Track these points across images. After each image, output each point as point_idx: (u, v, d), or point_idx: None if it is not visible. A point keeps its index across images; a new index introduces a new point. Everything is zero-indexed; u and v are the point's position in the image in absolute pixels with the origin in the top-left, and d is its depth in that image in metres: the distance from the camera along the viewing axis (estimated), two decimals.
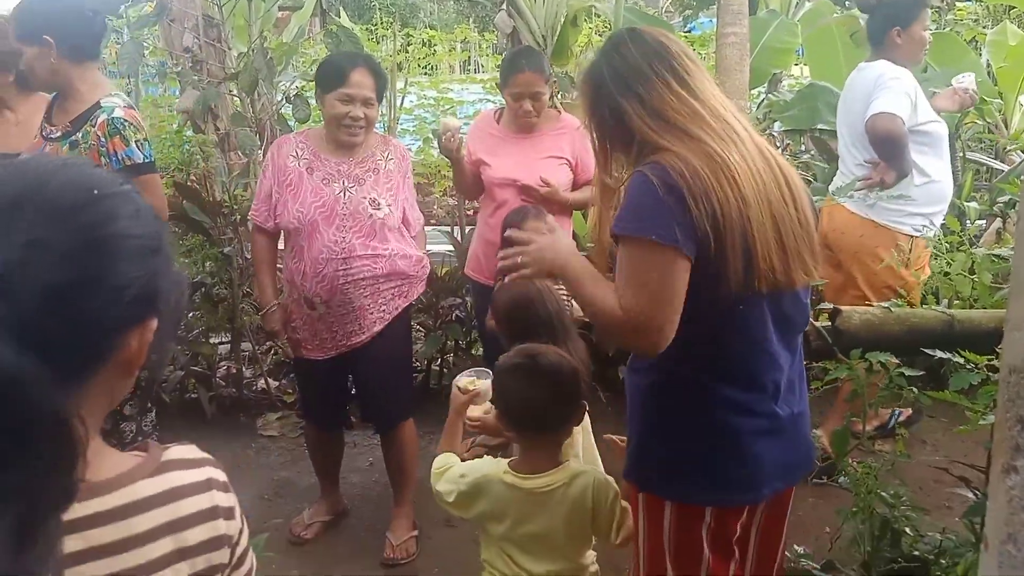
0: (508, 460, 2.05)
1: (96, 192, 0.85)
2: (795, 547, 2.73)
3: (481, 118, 3.71)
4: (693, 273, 1.58)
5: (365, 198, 2.96)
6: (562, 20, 5.25)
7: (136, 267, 0.85)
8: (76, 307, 0.79)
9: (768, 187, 1.64)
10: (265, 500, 3.54)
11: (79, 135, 2.67)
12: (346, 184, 2.98)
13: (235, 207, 4.06)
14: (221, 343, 4.44)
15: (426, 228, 3.92)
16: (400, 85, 6.40)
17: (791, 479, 1.84)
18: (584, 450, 2.39)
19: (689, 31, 8.59)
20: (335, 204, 2.95)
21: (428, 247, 3.44)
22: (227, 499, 0.99)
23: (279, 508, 3.47)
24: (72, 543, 0.83)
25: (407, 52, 8.39)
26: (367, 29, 10.09)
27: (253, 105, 4.46)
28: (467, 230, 4.64)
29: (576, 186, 3.44)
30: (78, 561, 0.84)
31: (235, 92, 4.49)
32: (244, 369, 4.36)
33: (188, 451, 0.99)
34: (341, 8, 9.37)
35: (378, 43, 9.02)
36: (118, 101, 2.71)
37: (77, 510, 0.83)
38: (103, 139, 2.62)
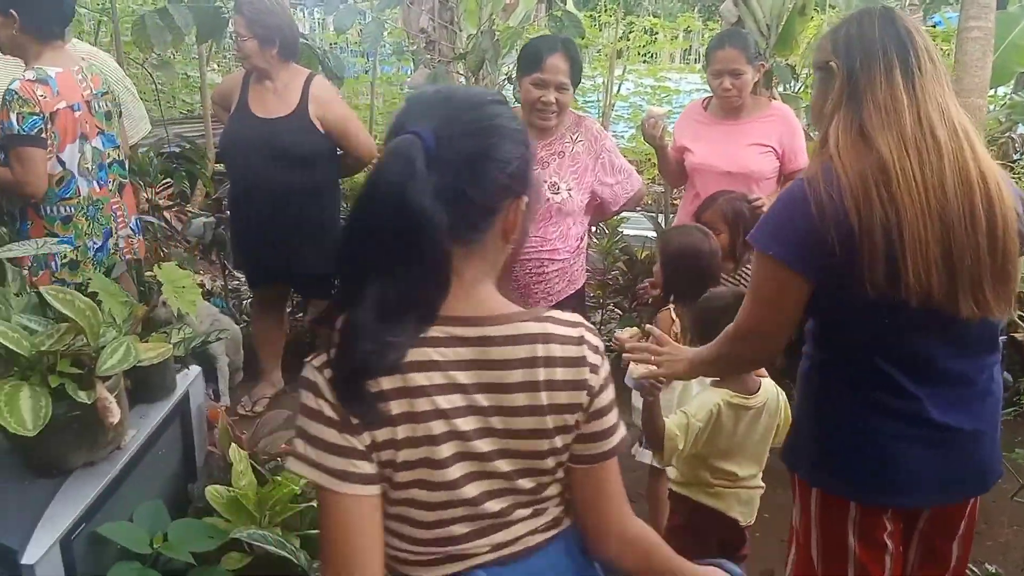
0: (721, 388, 2.32)
1: (487, 98, 1.22)
2: (987, 566, 2.64)
3: (690, 107, 3.75)
4: (828, 279, 1.63)
5: (545, 182, 3.04)
6: (789, 9, 5.14)
7: (516, 148, 1.18)
8: (479, 171, 1.14)
9: (948, 205, 1.57)
10: None
11: None
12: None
13: None
14: None
15: (632, 213, 4.00)
16: (618, 72, 6.49)
17: (953, 496, 1.79)
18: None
19: (934, 26, 8.10)
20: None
21: (630, 230, 3.51)
22: (595, 358, 1.24)
23: None
24: (467, 353, 1.17)
25: (628, 40, 8.45)
26: (590, 16, 10.25)
27: (478, 84, 4.71)
28: (670, 217, 4.69)
29: (783, 176, 3.41)
30: (470, 368, 1.17)
31: (462, 71, 4.76)
32: None
33: (570, 315, 1.26)
34: None
35: (600, 30, 9.14)
36: (28, 76, 2.92)
37: (475, 332, 1.18)
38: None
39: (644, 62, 9.37)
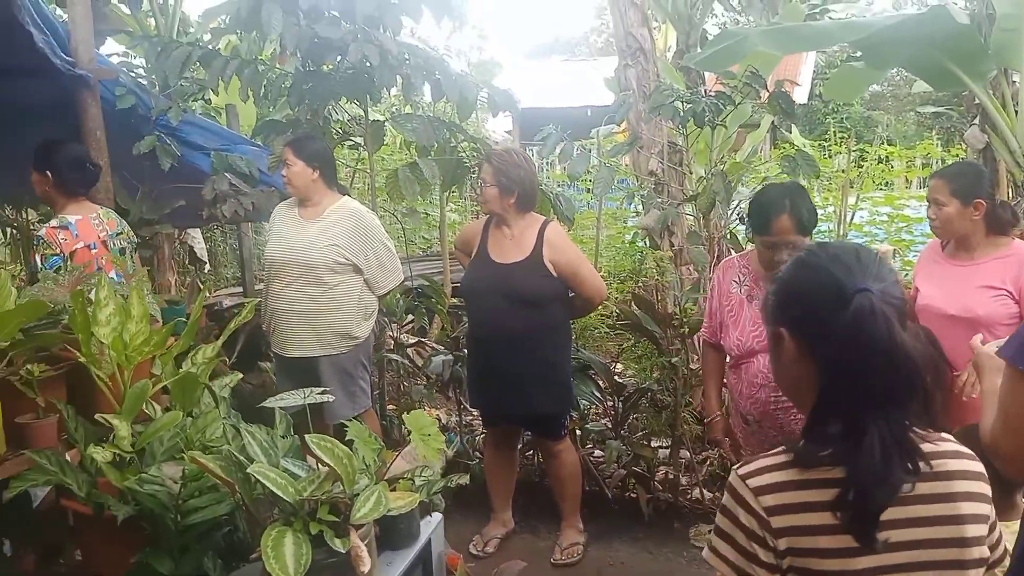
0: None
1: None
2: None
3: (929, 244, 3.58)
4: None
5: None
6: None
7: None
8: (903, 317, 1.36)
9: None
10: None
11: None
12: None
13: (685, 320, 4.28)
14: (661, 447, 4.65)
15: None
16: (851, 200, 6.29)
17: None
18: None
19: None
20: None
21: None
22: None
23: None
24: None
25: (860, 167, 8.20)
26: (819, 145, 10.06)
27: (707, 223, 4.71)
28: None
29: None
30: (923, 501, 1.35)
31: (692, 212, 4.78)
32: (681, 476, 4.51)
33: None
34: (792, 125, 9.46)
35: (831, 158, 8.95)
36: (53, 224, 3.57)
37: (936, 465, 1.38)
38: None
39: (880, 188, 9.03)
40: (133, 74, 4.69)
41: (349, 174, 6.70)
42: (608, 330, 4.89)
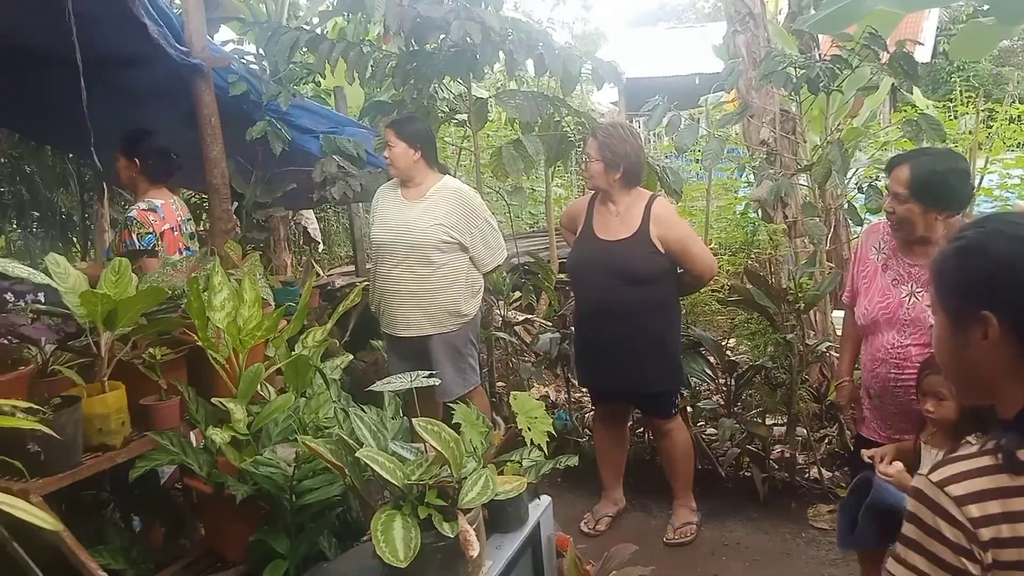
0: None
1: None
2: None
3: None
4: None
5: (930, 305, 2.83)
6: None
7: None
8: None
9: None
10: None
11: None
12: (914, 288, 2.90)
13: (800, 295, 4.12)
14: (776, 425, 4.52)
15: None
16: (980, 164, 5.92)
17: None
18: None
19: None
20: (899, 308, 2.91)
21: None
22: None
23: None
24: None
25: (989, 128, 7.72)
26: (943, 105, 9.53)
27: (823, 194, 4.51)
28: None
29: None
30: None
31: (806, 183, 4.59)
32: (798, 455, 4.37)
33: None
34: (914, 85, 8.94)
35: (956, 119, 8.44)
36: (142, 206, 3.80)
37: None
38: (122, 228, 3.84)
39: (1011, 150, 8.48)
40: (244, 60, 4.79)
41: (455, 153, 6.75)
42: (719, 306, 4.76)
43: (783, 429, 4.46)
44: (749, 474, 4.28)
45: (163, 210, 3.87)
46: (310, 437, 2.17)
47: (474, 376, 4.11)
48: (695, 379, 4.36)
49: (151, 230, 3.77)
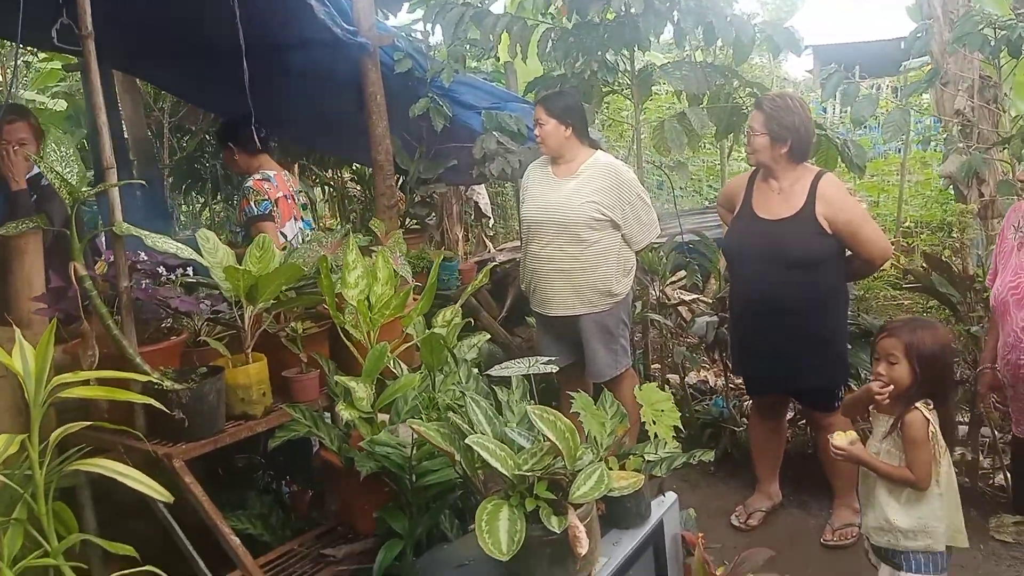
0: None
1: None
2: None
3: None
4: None
5: None
6: None
7: None
8: None
9: None
10: None
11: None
12: None
13: None
14: (959, 424, 4.13)
15: None
16: None
17: None
18: None
19: None
20: None
21: None
22: None
23: None
24: None
25: None
26: None
27: None
28: None
29: None
30: None
31: (1005, 159, 4.13)
32: (982, 458, 3.98)
33: None
34: None
35: None
36: (257, 176, 4.00)
37: None
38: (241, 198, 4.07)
39: None
40: (412, 38, 4.86)
41: (628, 128, 6.59)
42: (896, 292, 4.39)
43: (965, 429, 4.07)
44: None
45: (276, 180, 4.08)
46: (421, 420, 2.17)
47: (626, 358, 4.00)
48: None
49: (266, 197, 3.97)
